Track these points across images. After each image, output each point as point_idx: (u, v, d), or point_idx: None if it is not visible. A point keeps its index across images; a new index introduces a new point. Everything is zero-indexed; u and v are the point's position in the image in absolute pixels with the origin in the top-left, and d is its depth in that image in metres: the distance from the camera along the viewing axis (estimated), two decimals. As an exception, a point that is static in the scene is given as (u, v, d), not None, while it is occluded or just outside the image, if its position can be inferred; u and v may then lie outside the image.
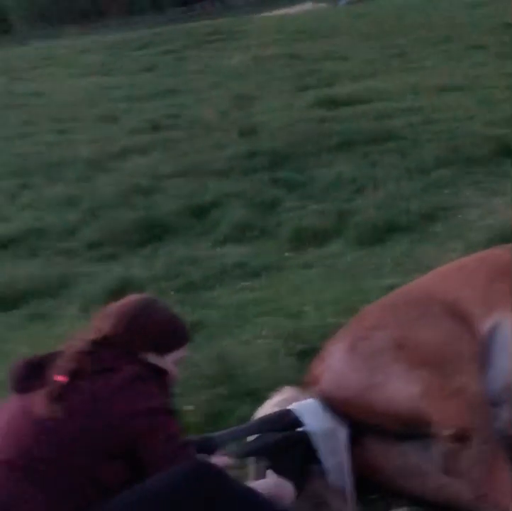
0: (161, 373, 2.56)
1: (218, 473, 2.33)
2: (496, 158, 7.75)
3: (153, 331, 2.59)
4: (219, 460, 2.56)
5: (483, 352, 2.63)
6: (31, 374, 2.50)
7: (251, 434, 2.73)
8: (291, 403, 2.79)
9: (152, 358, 2.58)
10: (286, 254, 6.27)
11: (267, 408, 2.90)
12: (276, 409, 2.81)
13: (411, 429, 2.56)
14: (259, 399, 3.38)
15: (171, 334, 2.64)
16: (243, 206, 7.41)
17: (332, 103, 11.76)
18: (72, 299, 5.91)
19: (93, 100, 15.96)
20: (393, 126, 9.62)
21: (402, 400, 2.53)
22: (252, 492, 2.36)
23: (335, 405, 2.68)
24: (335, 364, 2.78)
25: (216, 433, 2.89)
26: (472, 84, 11.44)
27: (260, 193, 7.82)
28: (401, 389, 2.54)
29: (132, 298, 2.71)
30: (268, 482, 2.47)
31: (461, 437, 2.35)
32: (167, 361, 2.61)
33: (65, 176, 9.84)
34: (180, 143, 10.63)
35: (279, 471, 2.52)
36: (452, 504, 2.46)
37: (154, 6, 48.24)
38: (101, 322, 2.60)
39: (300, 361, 3.96)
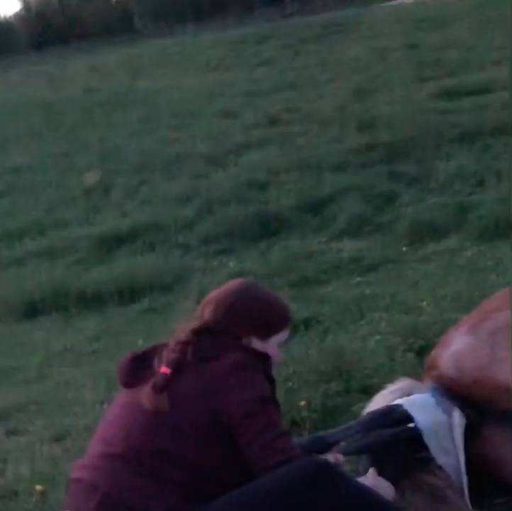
0: (264, 358, 2.49)
1: (334, 470, 2.27)
2: None
3: (254, 314, 2.52)
4: (331, 458, 2.51)
5: None
6: (138, 367, 2.50)
7: (360, 431, 2.65)
8: (405, 394, 2.71)
9: (255, 343, 2.51)
10: (404, 248, 6.13)
11: (381, 397, 2.83)
12: (390, 398, 2.74)
13: None
14: (375, 395, 3.30)
15: (272, 317, 2.55)
16: (360, 200, 7.31)
17: (454, 93, 11.48)
18: (188, 293, 5.96)
19: (212, 95, 16.18)
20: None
21: None
22: (369, 490, 2.30)
23: (454, 388, 2.57)
24: (455, 346, 2.68)
25: (327, 432, 2.83)
26: None
27: (378, 186, 7.69)
28: None
29: (231, 283, 2.65)
30: (365, 481, 2.39)
31: None
32: (270, 345, 2.53)
33: (183, 171, 10.00)
34: (297, 137, 10.61)
35: (383, 469, 2.43)
36: None
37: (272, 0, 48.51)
38: (202, 310, 2.56)
39: (418, 357, 3.85)
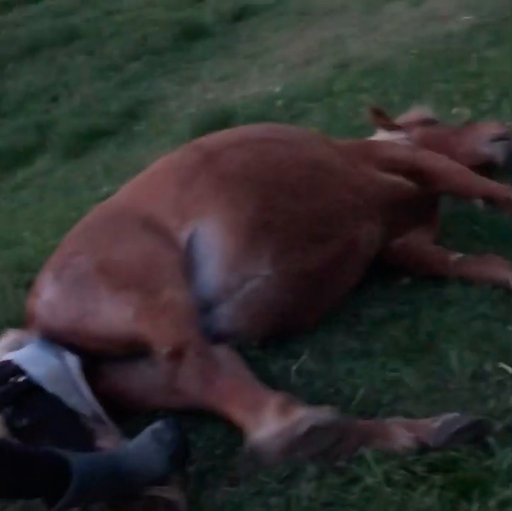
0: None
1: None
2: (183, 43, 7.77)
3: None
4: None
5: (188, 262, 2.61)
6: None
7: None
8: (16, 347, 2.62)
9: None
10: (-8, 180, 5.94)
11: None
12: (4, 353, 2.65)
13: (134, 352, 2.52)
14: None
15: None
16: None
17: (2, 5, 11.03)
18: None
19: None
20: (74, 24, 9.27)
21: (117, 325, 2.47)
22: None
23: (56, 338, 2.55)
24: (45, 296, 2.62)
25: None
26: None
27: None
28: (112, 314, 2.48)
29: None
30: None
31: (176, 353, 2.33)
32: None
33: None
34: None
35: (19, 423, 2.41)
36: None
37: None
38: None
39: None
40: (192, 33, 7.89)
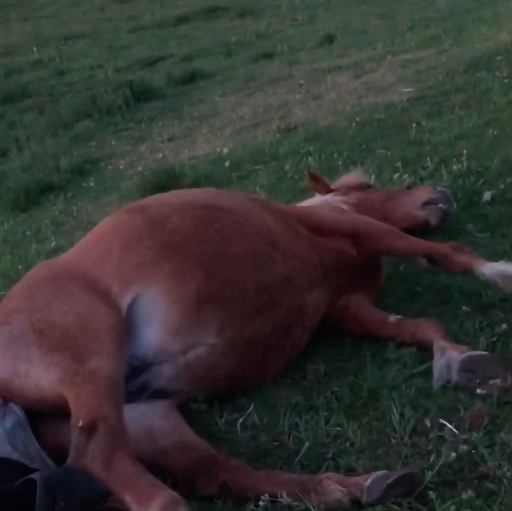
0: None
1: None
2: (132, 104, 7.90)
3: None
4: None
5: (128, 324, 2.61)
6: None
7: None
8: None
9: None
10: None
11: None
12: None
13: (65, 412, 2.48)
14: None
15: None
16: None
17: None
18: None
19: None
20: (25, 82, 9.36)
21: (45, 387, 2.45)
22: None
23: None
24: None
25: None
26: (96, 30, 11.45)
27: None
28: (42, 376, 2.46)
29: None
30: None
31: (89, 428, 2.29)
32: None
33: None
34: None
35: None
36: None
37: None
38: None
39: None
40: (142, 94, 8.05)
